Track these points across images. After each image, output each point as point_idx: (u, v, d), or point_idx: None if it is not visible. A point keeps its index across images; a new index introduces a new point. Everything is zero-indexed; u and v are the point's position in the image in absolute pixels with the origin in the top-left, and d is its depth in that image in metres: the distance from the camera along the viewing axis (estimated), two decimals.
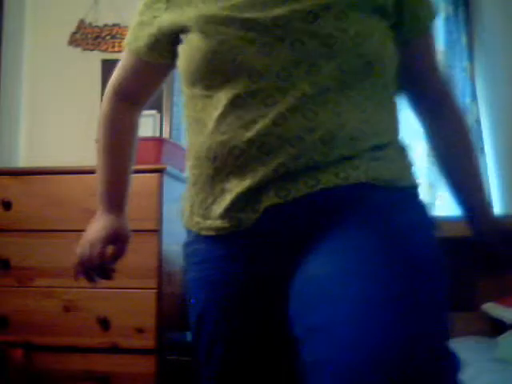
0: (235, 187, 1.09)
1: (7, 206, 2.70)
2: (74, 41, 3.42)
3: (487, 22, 3.01)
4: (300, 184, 1.04)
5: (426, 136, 1.33)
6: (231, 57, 1.07)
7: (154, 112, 3.29)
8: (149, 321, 2.56)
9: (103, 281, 1.43)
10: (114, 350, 2.57)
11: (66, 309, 2.62)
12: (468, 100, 3.05)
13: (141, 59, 1.31)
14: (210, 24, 1.10)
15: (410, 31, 1.17)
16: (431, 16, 1.19)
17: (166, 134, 3.24)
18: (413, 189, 1.15)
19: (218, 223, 1.15)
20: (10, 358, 2.51)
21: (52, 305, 2.63)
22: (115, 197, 1.54)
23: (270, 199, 1.06)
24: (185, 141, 3.37)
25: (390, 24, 1.11)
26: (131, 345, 2.56)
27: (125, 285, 2.59)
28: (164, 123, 3.28)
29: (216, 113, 1.10)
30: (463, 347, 2.31)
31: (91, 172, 2.72)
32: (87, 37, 3.40)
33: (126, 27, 3.38)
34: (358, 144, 1.06)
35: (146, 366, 2.55)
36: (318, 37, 1.04)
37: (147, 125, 3.27)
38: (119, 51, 3.38)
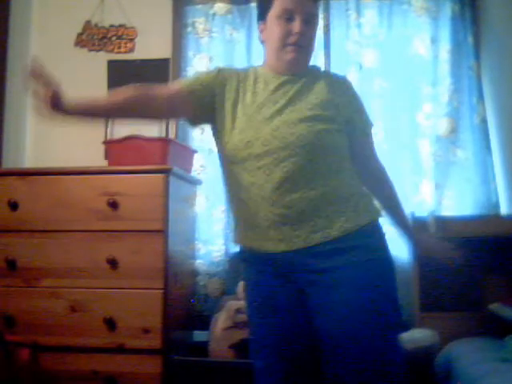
0: None
1: (14, 206, 2.71)
2: (80, 42, 3.42)
3: (493, 21, 3.00)
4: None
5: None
6: None
7: None
8: (155, 321, 2.56)
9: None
10: (121, 350, 2.57)
11: (73, 309, 2.63)
12: (475, 99, 3.04)
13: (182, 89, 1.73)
14: None
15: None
16: (368, 124, 1.79)
17: (172, 135, 3.24)
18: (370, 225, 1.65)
19: None
20: (16, 357, 2.52)
21: (58, 305, 2.64)
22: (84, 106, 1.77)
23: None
24: (193, 142, 3.34)
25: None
26: (137, 345, 2.56)
27: (131, 285, 2.59)
28: (170, 124, 3.28)
29: None
30: (471, 347, 2.30)
31: (97, 173, 2.75)
32: (93, 38, 3.41)
33: (131, 28, 3.39)
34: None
35: (152, 366, 2.55)
36: None
37: (153, 125, 3.27)
38: (125, 52, 3.39)
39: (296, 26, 1.66)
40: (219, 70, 1.76)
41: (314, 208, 1.58)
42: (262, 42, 1.77)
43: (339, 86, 1.74)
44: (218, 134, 1.72)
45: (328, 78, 1.77)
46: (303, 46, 1.69)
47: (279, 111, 1.64)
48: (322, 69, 1.88)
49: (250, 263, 1.74)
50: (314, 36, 1.74)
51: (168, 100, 1.72)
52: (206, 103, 1.71)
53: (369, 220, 1.63)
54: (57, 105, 1.56)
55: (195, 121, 1.79)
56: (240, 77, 1.74)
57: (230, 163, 1.68)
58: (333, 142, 1.64)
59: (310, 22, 1.69)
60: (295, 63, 1.70)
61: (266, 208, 1.59)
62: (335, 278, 1.56)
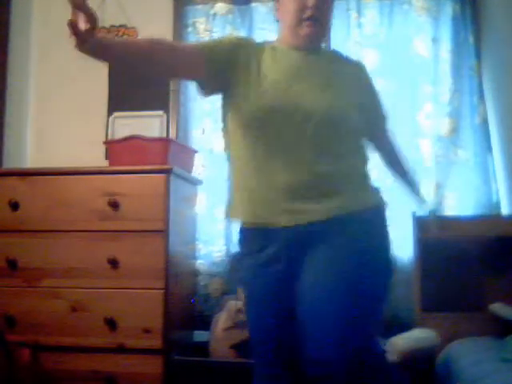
0: None
1: (15, 206, 2.72)
2: None
3: (494, 21, 3.00)
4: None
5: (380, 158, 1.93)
6: None
7: (160, 113, 3.30)
8: (156, 321, 2.57)
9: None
10: (121, 350, 2.58)
11: (73, 309, 2.63)
12: (475, 99, 3.04)
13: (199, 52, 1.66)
14: None
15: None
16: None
17: (172, 135, 3.25)
18: (376, 209, 1.66)
19: None
20: (17, 357, 2.52)
21: (59, 305, 2.64)
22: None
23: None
24: (194, 142, 3.34)
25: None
26: (138, 345, 2.57)
27: (132, 285, 2.60)
28: (170, 124, 3.28)
29: None
30: (471, 347, 2.30)
31: (98, 173, 2.75)
32: None
33: (132, 28, 3.39)
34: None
35: (152, 366, 2.55)
36: None
37: (154, 126, 3.28)
38: None
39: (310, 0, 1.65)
40: (238, 38, 1.80)
41: (336, 182, 1.59)
42: (277, 20, 1.77)
43: (356, 68, 1.79)
44: (235, 98, 1.67)
45: (344, 58, 1.80)
46: (319, 19, 1.67)
47: (304, 81, 1.63)
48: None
49: (250, 241, 1.71)
50: (330, 10, 1.72)
51: (188, 55, 1.67)
52: (224, 68, 1.66)
53: (379, 203, 1.67)
54: (90, 34, 1.40)
55: (208, 83, 1.71)
56: (258, 46, 1.74)
57: (247, 128, 1.63)
58: (357, 121, 1.66)
59: None
60: (312, 38, 1.68)
61: (285, 178, 1.57)
62: (335, 243, 1.55)
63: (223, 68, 1.66)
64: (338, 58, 1.78)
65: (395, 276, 1.65)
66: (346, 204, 1.57)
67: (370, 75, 1.82)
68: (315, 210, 1.56)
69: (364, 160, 1.71)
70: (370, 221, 1.60)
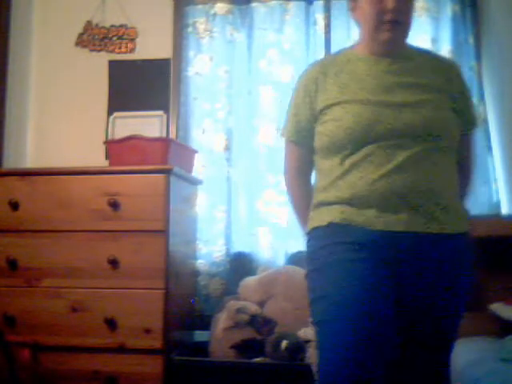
0: None
1: (15, 206, 2.72)
2: (81, 42, 3.43)
3: (494, 21, 3.00)
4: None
5: None
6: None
7: (160, 113, 3.30)
8: (156, 321, 2.57)
9: None
10: (122, 350, 2.58)
11: (74, 309, 2.63)
12: (475, 99, 3.04)
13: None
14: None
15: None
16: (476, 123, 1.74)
17: (172, 135, 3.25)
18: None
19: None
20: (17, 357, 2.52)
21: (59, 305, 2.64)
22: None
23: None
24: (194, 142, 3.34)
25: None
26: (138, 345, 2.57)
27: (132, 285, 2.60)
28: (171, 124, 3.28)
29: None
30: (470, 347, 2.30)
31: (98, 173, 2.75)
32: (94, 38, 3.41)
33: (132, 28, 3.39)
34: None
35: (153, 366, 2.55)
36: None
37: (154, 125, 3.28)
38: (126, 52, 3.40)
39: (389, 1, 1.55)
40: (308, 95, 1.66)
41: (433, 195, 1.52)
42: (356, 21, 1.68)
43: (448, 70, 1.67)
44: (320, 126, 1.63)
45: (433, 59, 1.70)
46: (400, 22, 1.57)
47: (391, 94, 1.56)
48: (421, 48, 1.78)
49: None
50: (411, 11, 1.62)
51: (304, 159, 1.72)
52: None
53: (468, 228, 1.61)
54: None
55: None
56: (330, 68, 1.67)
57: (329, 153, 1.60)
58: (452, 131, 1.58)
59: None
60: (392, 43, 1.60)
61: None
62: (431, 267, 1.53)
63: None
64: (425, 60, 1.67)
65: None
66: (447, 223, 1.55)
67: (463, 77, 1.71)
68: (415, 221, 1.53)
69: (455, 174, 1.63)
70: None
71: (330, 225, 1.56)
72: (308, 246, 1.65)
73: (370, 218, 1.50)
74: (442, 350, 1.59)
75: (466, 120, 1.67)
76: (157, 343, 2.56)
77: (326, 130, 1.59)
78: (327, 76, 1.65)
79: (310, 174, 1.76)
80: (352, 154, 1.54)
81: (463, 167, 1.71)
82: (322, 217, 1.59)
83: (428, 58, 1.70)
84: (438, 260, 1.52)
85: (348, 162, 1.55)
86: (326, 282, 1.52)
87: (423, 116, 1.53)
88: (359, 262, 1.49)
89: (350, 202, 1.53)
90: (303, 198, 1.75)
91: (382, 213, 1.50)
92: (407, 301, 1.52)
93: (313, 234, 1.63)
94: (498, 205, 2.96)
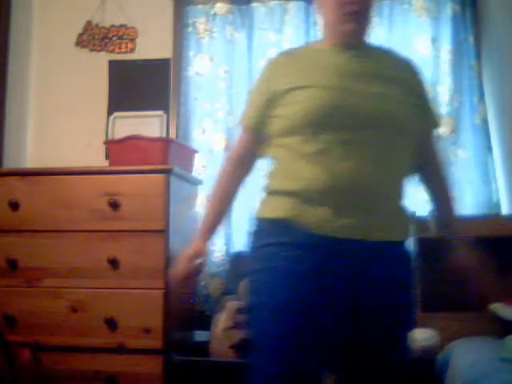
0: None
1: (15, 206, 2.72)
2: (81, 42, 3.43)
3: (494, 21, 3.00)
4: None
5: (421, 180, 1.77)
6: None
7: (160, 113, 3.30)
8: (156, 321, 2.57)
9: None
10: (121, 350, 2.58)
11: (74, 309, 2.63)
12: (475, 99, 3.04)
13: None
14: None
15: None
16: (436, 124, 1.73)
17: (172, 135, 3.25)
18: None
19: None
20: (17, 357, 2.52)
21: (59, 305, 2.64)
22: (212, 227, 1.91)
23: None
24: (194, 142, 3.32)
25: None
26: (138, 345, 2.57)
27: (132, 285, 2.60)
28: (171, 124, 3.28)
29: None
30: (470, 347, 2.30)
31: (98, 173, 2.75)
32: (94, 38, 3.41)
33: (132, 28, 3.39)
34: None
35: (153, 366, 2.56)
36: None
37: (154, 125, 3.28)
38: (126, 52, 3.40)
39: None
40: (267, 79, 1.65)
41: (387, 201, 1.54)
42: (321, 16, 1.68)
43: (410, 68, 1.68)
44: (280, 109, 1.59)
45: (395, 56, 1.71)
46: (360, 13, 1.59)
47: (355, 82, 1.54)
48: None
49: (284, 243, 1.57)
50: (371, 3, 1.63)
51: (252, 149, 1.70)
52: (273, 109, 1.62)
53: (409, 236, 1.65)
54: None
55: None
56: (294, 57, 1.67)
57: (293, 133, 1.55)
58: (413, 125, 1.58)
59: None
60: (355, 34, 1.61)
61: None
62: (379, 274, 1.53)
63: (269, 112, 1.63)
64: (387, 56, 1.69)
65: None
66: (392, 230, 1.57)
67: (423, 77, 1.71)
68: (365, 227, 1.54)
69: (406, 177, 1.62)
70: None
71: (279, 220, 1.54)
72: (253, 237, 1.63)
73: (321, 221, 1.49)
74: (394, 347, 1.62)
75: (427, 119, 1.68)
76: (157, 343, 2.56)
77: (286, 113, 1.56)
78: (290, 65, 1.65)
79: (248, 168, 1.73)
80: (310, 140, 1.51)
81: (432, 172, 1.72)
82: (273, 208, 1.57)
83: (390, 54, 1.72)
84: (383, 267, 1.53)
85: (307, 150, 1.51)
86: (263, 291, 1.55)
87: (386, 107, 1.53)
88: (300, 273, 1.49)
89: (303, 195, 1.51)
90: (228, 190, 1.73)
91: (333, 215, 1.48)
92: (352, 307, 1.51)
93: (261, 226, 1.61)
94: (497, 205, 2.96)
